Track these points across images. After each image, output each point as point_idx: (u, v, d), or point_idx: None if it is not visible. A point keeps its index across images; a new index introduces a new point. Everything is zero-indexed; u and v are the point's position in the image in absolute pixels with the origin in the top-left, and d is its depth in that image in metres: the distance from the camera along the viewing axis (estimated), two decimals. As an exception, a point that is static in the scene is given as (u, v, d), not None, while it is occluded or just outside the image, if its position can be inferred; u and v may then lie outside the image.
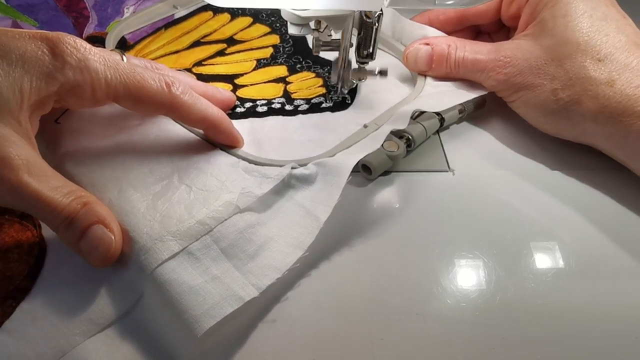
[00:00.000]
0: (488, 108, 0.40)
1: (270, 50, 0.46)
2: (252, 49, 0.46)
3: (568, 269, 0.30)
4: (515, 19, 0.40)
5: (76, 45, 0.28)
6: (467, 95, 0.39)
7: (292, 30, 0.35)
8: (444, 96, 0.39)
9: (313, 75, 0.43)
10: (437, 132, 0.38)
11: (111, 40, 0.44)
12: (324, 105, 0.40)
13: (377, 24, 0.36)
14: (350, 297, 0.27)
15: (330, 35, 0.38)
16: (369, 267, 0.29)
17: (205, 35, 0.47)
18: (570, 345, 0.27)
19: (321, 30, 0.36)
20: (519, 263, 0.30)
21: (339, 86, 0.40)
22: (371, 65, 0.39)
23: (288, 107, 0.40)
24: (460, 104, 0.38)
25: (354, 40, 0.38)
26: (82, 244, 0.27)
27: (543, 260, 0.30)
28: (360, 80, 0.40)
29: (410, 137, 0.35)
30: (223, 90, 0.39)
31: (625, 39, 0.34)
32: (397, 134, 0.35)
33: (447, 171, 0.36)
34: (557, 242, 0.31)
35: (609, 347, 0.27)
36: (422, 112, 0.37)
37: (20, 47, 0.26)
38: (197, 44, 0.46)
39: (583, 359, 0.26)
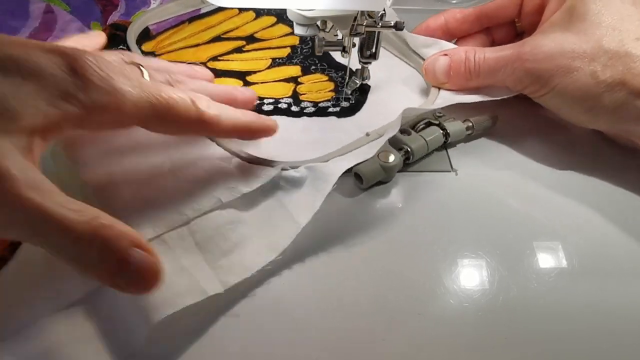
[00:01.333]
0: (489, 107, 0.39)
1: (288, 50, 0.45)
2: (270, 48, 0.46)
3: (571, 268, 0.30)
4: (538, 13, 0.38)
5: (98, 62, 0.25)
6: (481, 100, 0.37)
7: (298, 30, 0.35)
8: (455, 99, 0.37)
9: (326, 78, 0.43)
10: (445, 148, 0.37)
11: (133, 29, 0.45)
12: (330, 110, 0.40)
13: (379, 24, 0.35)
14: (353, 297, 0.27)
15: (336, 35, 0.37)
16: (371, 267, 0.29)
17: (227, 32, 0.47)
18: (573, 346, 0.26)
19: (327, 30, 0.36)
20: (521, 263, 0.30)
21: (344, 85, 0.40)
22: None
23: (294, 108, 0.40)
24: (470, 120, 0.36)
25: (356, 40, 0.37)
26: (122, 276, 0.21)
27: (546, 260, 0.30)
28: (364, 80, 0.39)
29: (409, 149, 0.34)
30: (243, 89, 0.38)
31: None
32: (397, 145, 0.34)
33: (450, 171, 0.35)
34: (560, 242, 0.31)
35: (613, 347, 0.26)
36: (428, 125, 0.36)
37: (35, 61, 0.23)
38: (217, 39, 0.47)
39: (587, 359, 0.26)
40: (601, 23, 0.33)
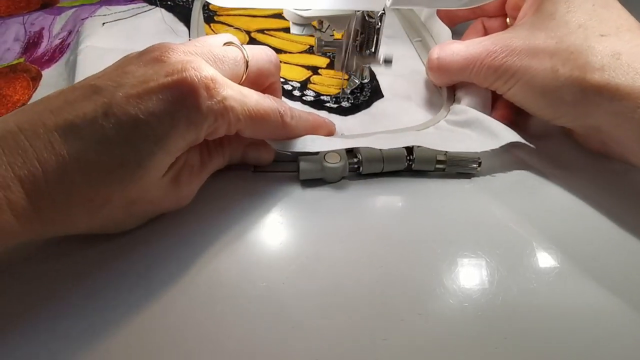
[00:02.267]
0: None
1: (330, 43, 0.46)
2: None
3: (571, 269, 0.30)
4: (517, 10, 0.38)
5: (214, 85, 0.27)
6: (473, 146, 0.34)
7: (295, 30, 0.36)
8: (446, 140, 0.35)
9: (346, 77, 0.43)
10: (425, 172, 0.35)
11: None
12: (327, 104, 0.40)
13: (379, 24, 0.35)
14: (353, 298, 0.28)
15: (333, 35, 0.37)
16: (371, 267, 0.29)
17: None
18: (572, 346, 0.26)
19: (324, 30, 0.37)
20: (521, 263, 0.30)
21: (342, 86, 0.40)
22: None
23: (296, 93, 0.41)
24: (444, 153, 0.34)
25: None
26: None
27: (546, 260, 0.30)
28: (363, 79, 0.39)
29: (359, 158, 0.33)
30: (329, 121, 0.37)
31: (628, 24, 0.33)
32: (354, 151, 0.34)
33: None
34: (560, 242, 0.31)
35: (612, 348, 0.26)
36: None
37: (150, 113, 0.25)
38: (277, 15, 0.49)
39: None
40: (568, 22, 0.33)
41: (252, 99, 0.29)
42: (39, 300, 0.26)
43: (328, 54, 0.45)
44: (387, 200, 0.33)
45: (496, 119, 0.36)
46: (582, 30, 0.32)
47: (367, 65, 0.38)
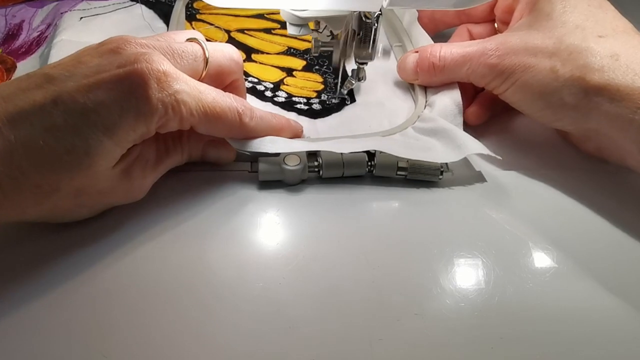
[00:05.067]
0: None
1: (308, 45, 0.46)
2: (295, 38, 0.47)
3: (566, 269, 0.30)
4: (509, 14, 0.38)
5: (166, 78, 0.27)
6: (435, 156, 0.34)
7: (291, 30, 0.36)
8: (409, 147, 0.34)
9: (320, 80, 0.42)
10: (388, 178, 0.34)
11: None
12: (298, 106, 0.39)
13: (376, 25, 0.35)
14: (349, 297, 0.28)
15: (330, 35, 0.37)
16: (368, 267, 0.29)
17: (273, 13, 0.49)
18: (568, 346, 0.26)
19: (320, 30, 0.36)
20: (517, 263, 0.30)
21: (338, 86, 0.40)
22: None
23: (268, 94, 0.40)
24: (406, 160, 0.33)
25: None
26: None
27: (541, 260, 0.30)
28: (360, 80, 0.39)
29: (319, 162, 0.33)
30: (296, 123, 0.36)
31: (623, 25, 0.33)
32: (316, 155, 0.33)
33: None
34: (556, 242, 0.31)
35: (608, 348, 0.26)
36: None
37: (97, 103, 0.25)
38: (259, 16, 0.49)
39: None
40: (566, 22, 0.33)
41: (209, 95, 0.29)
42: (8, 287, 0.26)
43: (305, 56, 0.44)
44: (383, 199, 0.33)
45: (468, 118, 0.36)
46: (579, 30, 0.33)
47: (363, 67, 0.38)
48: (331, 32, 0.37)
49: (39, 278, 0.27)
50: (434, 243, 0.30)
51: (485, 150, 0.33)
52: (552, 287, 0.29)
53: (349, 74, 0.40)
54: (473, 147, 0.33)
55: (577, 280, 0.29)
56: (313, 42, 0.37)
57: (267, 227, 0.31)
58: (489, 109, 0.39)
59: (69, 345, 0.24)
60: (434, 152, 0.33)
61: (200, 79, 0.31)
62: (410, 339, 0.26)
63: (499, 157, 0.34)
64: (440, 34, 0.46)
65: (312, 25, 0.37)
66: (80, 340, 0.25)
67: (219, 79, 0.32)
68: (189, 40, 0.31)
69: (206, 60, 0.31)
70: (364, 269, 0.29)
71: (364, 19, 0.35)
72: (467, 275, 0.29)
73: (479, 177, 0.35)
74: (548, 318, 0.27)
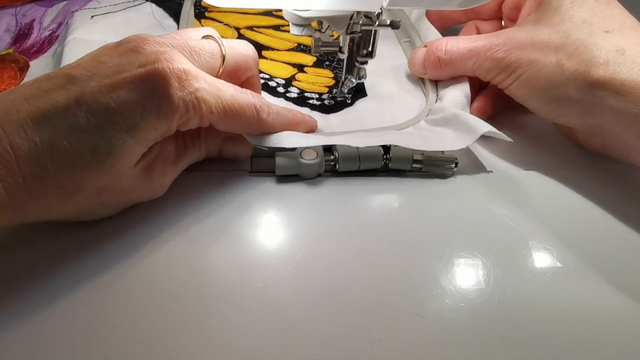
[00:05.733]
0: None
1: (318, 41, 0.46)
2: (304, 35, 0.47)
3: (567, 269, 0.30)
4: (517, 11, 0.39)
5: (186, 77, 0.27)
6: (448, 145, 0.34)
7: (294, 30, 0.36)
8: (424, 139, 0.35)
9: (331, 75, 0.43)
10: (403, 171, 0.35)
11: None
12: (310, 101, 0.40)
13: (376, 23, 0.35)
14: (349, 297, 0.28)
15: (332, 35, 0.37)
16: (368, 267, 0.29)
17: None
18: (568, 346, 0.26)
19: (323, 30, 0.37)
20: (517, 263, 0.30)
21: (340, 85, 0.40)
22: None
23: (280, 89, 0.41)
24: (420, 153, 0.34)
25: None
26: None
27: (542, 260, 0.30)
28: (360, 79, 0.39)
29: (335, 156, 0.33)
30: (310, 118, 0.36)
31: (631, 21, 0.33)
32: (332, 149, 0.34)
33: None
34: (556, 242, 0.31)
35: (608, 348, 0.26)
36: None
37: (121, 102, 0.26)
38: (268, 13, 0.49)
39: (581, 360, 0.26)
40: (573, 16, 0.33)
41: (228, 92, 0.29)
42: (19, 286, 0.26)
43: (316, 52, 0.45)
44: (383, 199, 0.33)
45: (472, 113, 0.36)
46: (586, 25, 0.33)
47: (364, 65, 0.38)
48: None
49: (44, 278, 0.27)
50: (433, 243, 0.30)
51: (496, 131, 0.34)
52: (553, 287, 0.29)
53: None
54: (482, 128, 0.33)
55: (578, 280, 0.29)
56: (313, 42, 0.37)
57: (267, 227, 0.31)
58: (492, 105, 0.39)
59: (70, 344, 0.25)
60: (448, 141, 0.34)
61: (217, 76, 0.31)
62: (410, 339, 0.26)
63: (509, 140, 0.34)
64: (448, 31, 0.46)
65: (314, 25, 0.37)
66: (82, 340, 0.25)
67: (235, 75, 0.33)
68: (205, 37, 0.32)
69: (223, 57, 0.31)
70: (363, 268, 0.29)
71: (364, 18, 0.35)
72: (467, 275, 0.29)
73: (478, 178, 0.35)
74: (548, 318, 0.27)
